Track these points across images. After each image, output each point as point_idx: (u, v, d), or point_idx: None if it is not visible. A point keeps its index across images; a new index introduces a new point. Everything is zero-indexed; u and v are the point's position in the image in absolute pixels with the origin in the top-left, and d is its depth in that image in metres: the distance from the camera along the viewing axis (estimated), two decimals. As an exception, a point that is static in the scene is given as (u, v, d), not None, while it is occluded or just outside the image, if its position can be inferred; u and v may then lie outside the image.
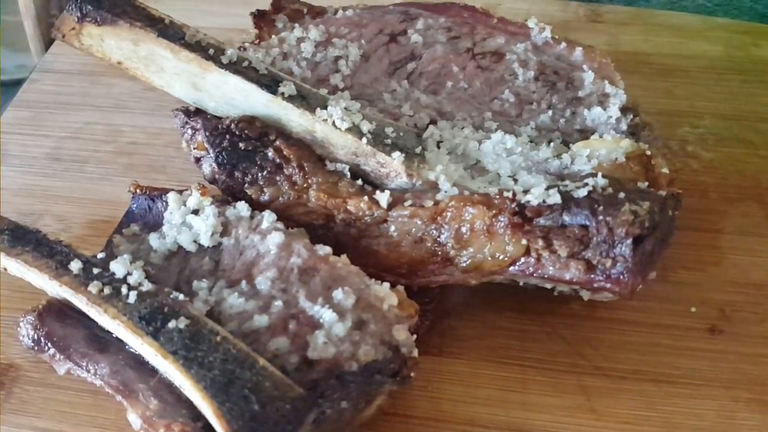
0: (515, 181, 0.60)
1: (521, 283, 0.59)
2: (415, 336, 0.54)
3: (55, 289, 0.56)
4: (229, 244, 0.58)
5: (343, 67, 0.70)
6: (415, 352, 0.53)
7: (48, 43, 0.91)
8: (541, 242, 0.55)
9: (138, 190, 0.63)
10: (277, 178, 0.60)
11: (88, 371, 0.54)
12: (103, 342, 0.55)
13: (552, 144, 0.64)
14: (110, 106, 0.81)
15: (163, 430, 0.49)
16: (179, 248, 0.58)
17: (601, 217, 0.53)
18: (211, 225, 0.58)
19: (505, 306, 0.63)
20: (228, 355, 0.50)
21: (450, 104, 0.68)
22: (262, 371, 0.49)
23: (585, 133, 0.65)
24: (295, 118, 0.61)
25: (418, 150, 0.61)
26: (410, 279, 0.58)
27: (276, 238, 0.56)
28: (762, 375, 0.59)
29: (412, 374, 0.53)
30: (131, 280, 0.54)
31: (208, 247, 0.58)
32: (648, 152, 0.61)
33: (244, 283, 0.55)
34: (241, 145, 0.61)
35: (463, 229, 0.56)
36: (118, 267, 0.55)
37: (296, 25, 0.74)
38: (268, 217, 0.58)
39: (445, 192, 0.58)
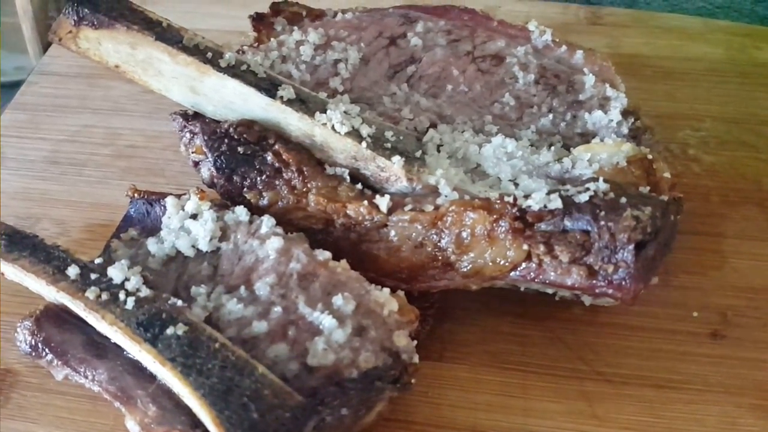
0: (516, 185, 0.59)
1: (522, 288, 0.59)
2: (415, 341, 0.54)
3: (52, 294, 0.55)
4: (228, 249, 0.57)
5: (343, 70, 0.70)
6: (416, 358, 0.53)
7: (46, 45, 0.91)
8: (542, 247, 0.54)
9: (136, 195, 0.62)
10: (276, 182, 0.60)
11: (86, 377, 0.53)
12: (101, 348, 0.54)
13: (553, 148, 0.63)
14: (108, 109, 0.81)
15: (162, 438, 0.49)
16: (177, 253, 0.58)
17: (602, 223, 0.53)
18: (209, 230, 0.58)
19: (506, 311, 0.62)
20: (227, 362, 0.49)
21: (450, 108, 0.67)
22: (262, 378, 0.49)
23: (586, 137, 0.65)
24: (294, 122, 0.61)
25: (418, 154, 0.61)
26: (410, 284, 0.58)
27: (275, 243, 0.56)
28: (764, 380, 0.59)
29: (412, 380, 0.52)
30: (129, 285, 0.54)
31: (207, 252, 0.57)
32: (649, 156, 0.60)
33: (242, 288, 0.55)
34: (239, 149, 0.61)
35: (464, 234, 0.56)
36: (115, 272, 0.55)
37: (295, 28, 0.74)
38: (267, 222, 0.58)
39: (446, 196, 0.58)
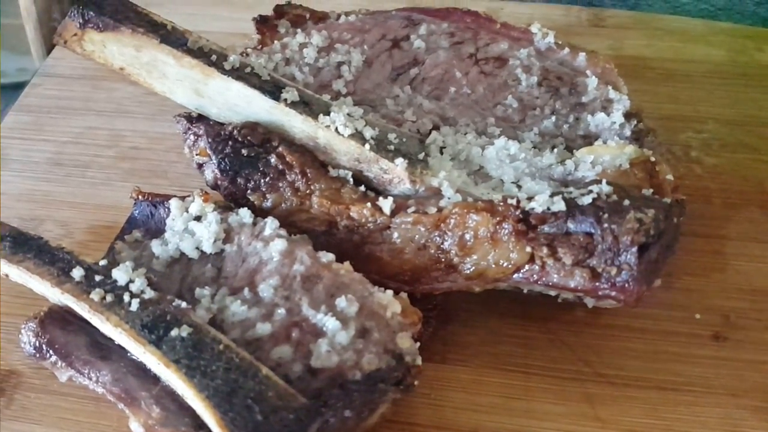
0: (519, 187, 0.59)
1: (525, 291, 0.59)
2: (418, 343, 0.54)
3: (56, 296, 0.55)
4: (232, 251, 0.57)
5: (346, 72, 0.70)
6: (419, 360, 0.53)
7: (49, 46, 0.91)
8: (545, 250, 0.54)
9: (140, 196, 0.63)
10: (280, 184, 0.60)
11: (90, 379, 0.53)
12: (105, 349, 0.54)
13: (555, 150, 0.63)
14: (112, 110, 0.81)
15: (166, 439, 0.49)
16: (181, 255, 0.58)
17: (606, 225, 0.53)
18: (213, 232, 0.58)
19: (508, 313, 0.62)
20: (231, 363, 0.49)
21: (453, 110, 0.67)
22: (265, 380, 0.49)
23: (588, 139, 0.65)
24: (297, 125, 0.61)
25: (421, 156, 0.61)
26: (413, 286, 0.58)
27: (279, 245, 0.56)
28: (767, 382, 0.59)
29: (415, 382, 0.52)
30: (133, 287, 0.54)
31: (211, 254, 0.58)
32: (652, 158, 0.61)
33: (246, 290, 0.55)
34: (243, 151, 0.61)
35: (467, 236, 0.56)
36: (120, 274, 0.55)
37: (299, 30, 0.74)
38: (270, 224, 0.58)
39: (449, 198, 0.58)
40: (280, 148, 0.61)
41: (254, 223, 0.59)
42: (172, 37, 0.63)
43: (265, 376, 0.49)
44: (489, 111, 0.68)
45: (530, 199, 0.56)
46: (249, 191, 0.61)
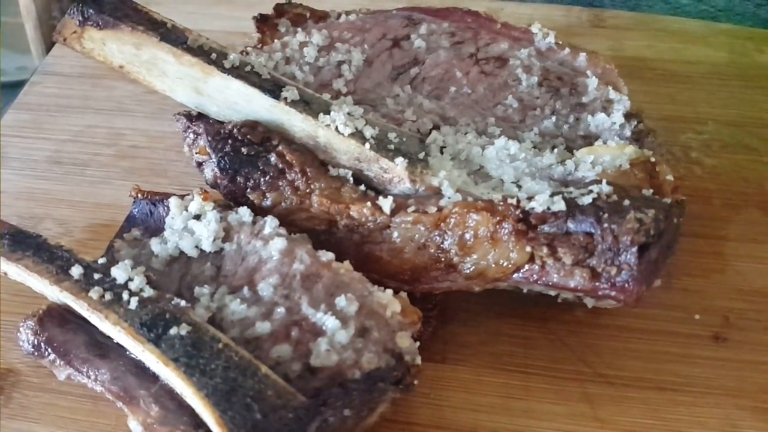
0: (519, 187, 0.59)
1: (525, 290, 0.59)
2: (418, 343, 0.54)
3: (55, 294, 0.55)
4: (231, 250, 0.57)
5: (346, 71, 0.70)
6: (418, 360, 0.53)
7: (49, 45, 0.91)
8: (545, 249, 0.54)
9: (139, 195, 0.62)
10: (280, 183, 0.60)
11: (89, 377, 0.53)
12: (103, 348, 0.54)
13: (556, 150, 0.63)
14: (111, 109, 0.81)
15: (165, 438, 0.49)
16: (181, 253, 0.58)
17: (606, 225, 0.53)
18: (212, 230, 0.58)
19: (508, 313, 0.62)
20: (230, 362, 0.49)
21: (453, 109, 0.67)
22: (265, 379, 0.49)
23: (589, 140, 0.65)
24: (297, 123, 0.61)
25: (421, 155, 0.61)
26: (413, 285, 0.58)
27: (278, 244, 0.56)
28: (766, 382, 0.59)
29: (415, 382, 0.52)
30: (132, 285, 0.54)
31: (210, 252, 0.58)
32: (652, 159, 0.61)
33: (246, 289, 0.55)
34: (243, 150, 0.61)
35: (467, 236, 0.56)
36: (119, 273, 0.55)
37: (299, 29, 0.74)
38: (270, 223, 0.58)
39: (449, 198, 0.58)
40: (280, 147, 0.61)
41: (254, 222, 0.59)
42: (172, 35, 0.63)
43: (265, 375, 0.49)
44: (489, 111, 0.68)
45: (530, 198, 0.56)
46: (249, 190, 0.61)
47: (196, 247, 0.58)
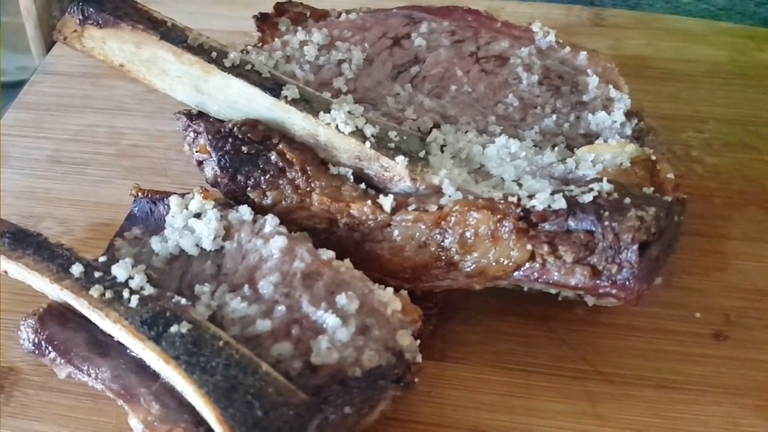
0: (519, 185, 0.59)
1: (525, 289, 0.59)
2: (418, 341, 0.54)
3: (56, 292, 0.55)
4: (232, 248, 0.57)
5: (347, 70, 0.70)
6: (419, 358, 0.53)
7: (49, 45, 0.91)
8: (546, 247, 0.54)
9: (140, 193, 0.62)
10: (280, 181, 0.60)
11: (89, 375, 0.53)
12: (104, 346, 0.54)
13: (556, 148, 0.63)
14: (112, 108, 0.81)
15: (165, 436, 0.49)
16: (181, 252, 0.58)
17: (606, 223, 0.53)
18: (213, 229, 0.58)
19: (509, 311, 0.62)
20: (230, 360, 0.49)
21: (454, 108, 0.67)
22: (265, 376, 0.49)
23: (589, 138, 0.65)
24: (298, 122, 0.61)
25: (421, 154, 0.61)
26: (414, 284, 0.58)
27: (279, 242, 0.56)
28: (767, 381, 0.59)
29: (415, 380, 0.52)
30: (133, 284, 0.54)
31: (211, 251, 0.58)
32: (653, 157, 0.60)
33: (246, 287, 0.55)
34: (243, 148, 0.61)
35: (468, 234, 0.56)
36: (119, 271, 0.55)
37: (299, 28, 0.74)
38: (270, 221, 0.58)
39: (449, 196, 0.58)
40: (280, 146, 0.60)
41: (254, 221, 0.59)
42: (172, 34, 0.63)
43: (265, 373, 0.49)
44: (490, 109, 0.68)
45: (531, 197, 0.56)
46: (249, 189, 0.61)
47: (197, 245, 0.58)
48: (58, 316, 0.55)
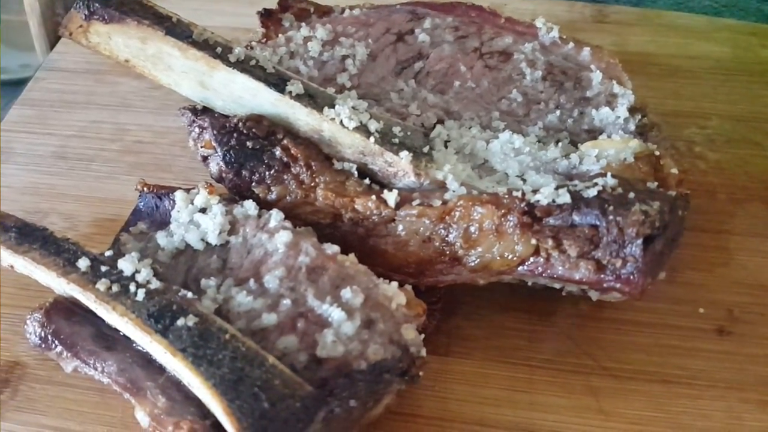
0: (523, 180, 0.59)
1: (529, 283, 0.59)
2: (422, 335, 0.54)
3: (62, 286, 0.55)
4: (237, 243, 0.57)
5: (350, 66, 0.70)
6: (424, 352, 0.53)
7: (53, 42, 0.91)
8: (550, 242, 0.54)
9: (145, 189, 0.63)
10: (285, 176, 0.60)
11: (96, 369, 0.53)
12: (110, 340, 0.54)
13: (560, 144, 0.63)
14: (116, 104, 0.81)
15: (172, 428, 0.49)
16: (187, 246, 0.58)
17: (611, 217, 0.53)
18: (218, 223, 0.58)
19: (512, 306, 0.63)
20: (237, 352, 0.49)
21: (457, 104, 0.68)
22: (272, 369, 0.49)
23: (593, 133, 0.65)
24: (302, 117, 0.61)
25: (425, 149, 0.61)
26: (418, 278, 0.58)
27: (284, 237, 0.56)
28: (770, 376, 0.59)
29: (420, 373, 0.53)
30: (139, 277, 0.54)
31: (216, 245, 0.58)
32: (656, 152, 0.61)
33: (252, 281, 0.55)
34: (248, 143, 0.61)
35: (472, 229, 0.56)
36: (126, 265, 0.55)
37: (303, 24, 0.74)
38: (275, 216, 0.58)
39: (454, 191, 0.58)
40: (284, 141, 0.61)
41: (259, 215, 0.59)
42: (178, 29, 0.63)
43: (272, 365, 0.49)
44: (493, 105, 0.68)
45: (535, 191, 0.56)
46: (254, 184, 0.61)
47: (202, 240, 0.58)
48: (64, 310, 0.56)
